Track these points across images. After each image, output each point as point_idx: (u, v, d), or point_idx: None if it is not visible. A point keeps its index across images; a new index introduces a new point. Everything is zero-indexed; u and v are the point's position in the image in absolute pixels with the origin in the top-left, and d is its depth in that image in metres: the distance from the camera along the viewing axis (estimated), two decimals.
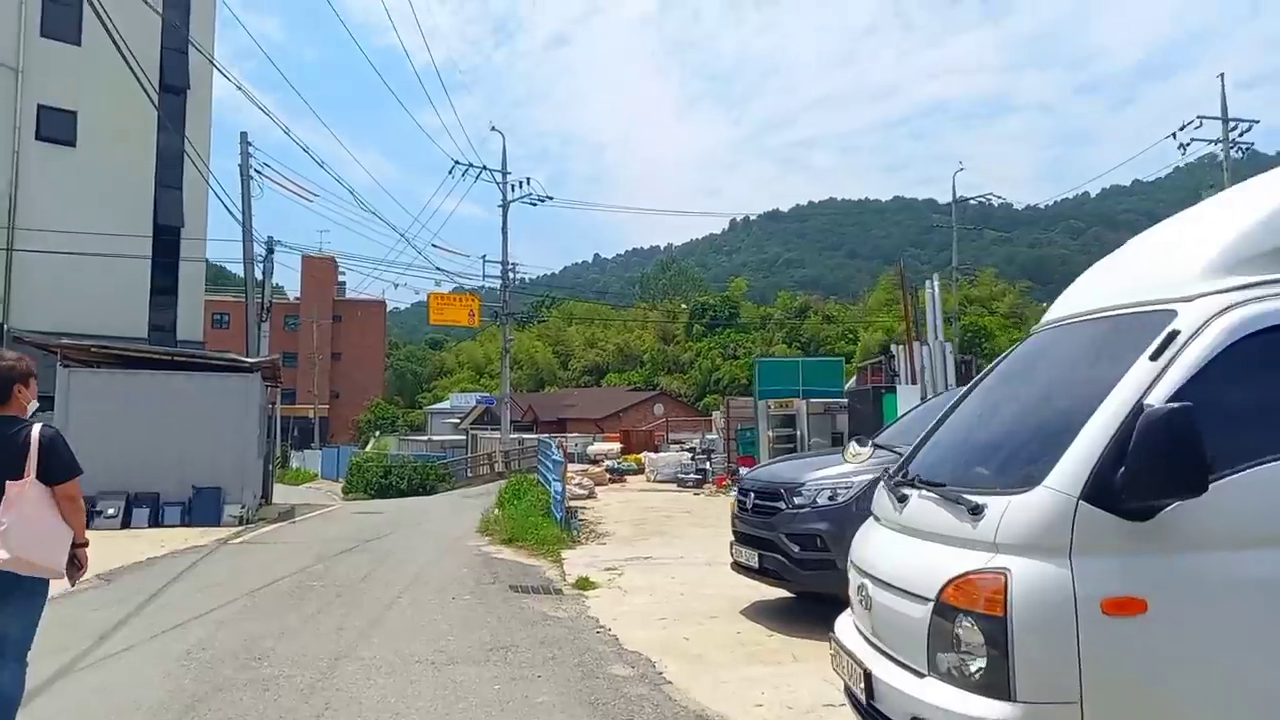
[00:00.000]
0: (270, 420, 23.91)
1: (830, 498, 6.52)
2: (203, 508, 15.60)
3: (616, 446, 31.42)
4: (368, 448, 54.26)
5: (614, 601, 8.03)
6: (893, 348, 15.66)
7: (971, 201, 46.48)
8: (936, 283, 18.22)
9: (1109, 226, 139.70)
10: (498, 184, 36.90)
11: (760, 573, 6.92)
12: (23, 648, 3.95)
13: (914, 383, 15.51)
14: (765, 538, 6.84)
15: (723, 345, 59.48)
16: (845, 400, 14.95)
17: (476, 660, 5.92)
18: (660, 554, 10.95)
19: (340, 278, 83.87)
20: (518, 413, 45.78)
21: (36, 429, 3.96)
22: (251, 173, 24.74)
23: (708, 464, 23.49)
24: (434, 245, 36.98)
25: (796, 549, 6.52)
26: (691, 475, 22.02)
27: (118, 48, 13.00)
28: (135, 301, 23.77)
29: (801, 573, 6.50)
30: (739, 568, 7.33)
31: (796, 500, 6.66)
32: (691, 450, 29.88)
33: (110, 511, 14.86)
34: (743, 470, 21.03)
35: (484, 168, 36.28)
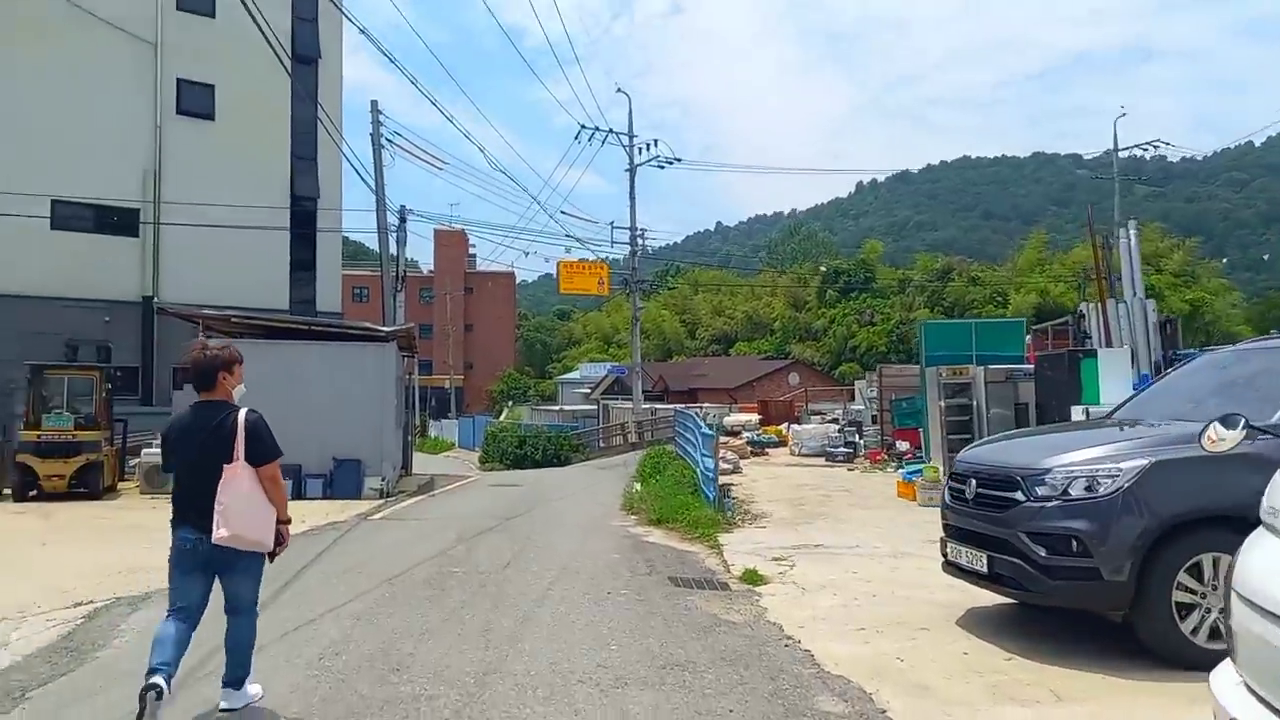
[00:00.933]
0: (408, 391, 23.90)
1: (1087, 488, 5.11)
2: (343, 480, 15.37)
3: (754, 418, 30.12)
4: (501, 417, 54.88)
5: (793, 602, 6.87)
6: (1083, 307, 13.73)
7: (1123, 155, 42.17)
8: (1133, 231, 15.98)
9: (1278, 176, 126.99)
10: (624, 147, 35.99)
11: (990, 580, 5.58)
12: (253, 601, 4.46)
13: (1108, 344, 13.57)
14: (996, 536, 5.49)
15: (858, 311, 56.85)
16: (1030, 367, 13.17)
17: (649, 682, 4.88)
18: (831, 541, 9.71)
19: (470, 250, 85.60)
20: (648, 382, 45.04)
21: (241, 414, 4.32)
22: (382, 141, 24.63)
23: (857, 437, 21.92)
24: (563, 212, 36.97)
25: (1043, 553, 5.15)
26: (840, 449, 20.53)
27: (252, 17, 12.61)
28: (276, 274, 24.08)
29: (1050, 583, 5.13)
30: (955, 569, 6.02)
31: (1040, 491, 5.27)
32: (837, 422, 28.30)
33: None
34: (900, 444, 19.46)
35: (610, 130, 35.36)
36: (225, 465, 4.20)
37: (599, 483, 19.57)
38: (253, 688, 4.45)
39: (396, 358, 17.20)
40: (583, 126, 34.72)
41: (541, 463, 32.93)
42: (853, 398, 41.19)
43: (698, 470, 14.37)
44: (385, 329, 15.81)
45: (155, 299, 20.74)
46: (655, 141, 35.42)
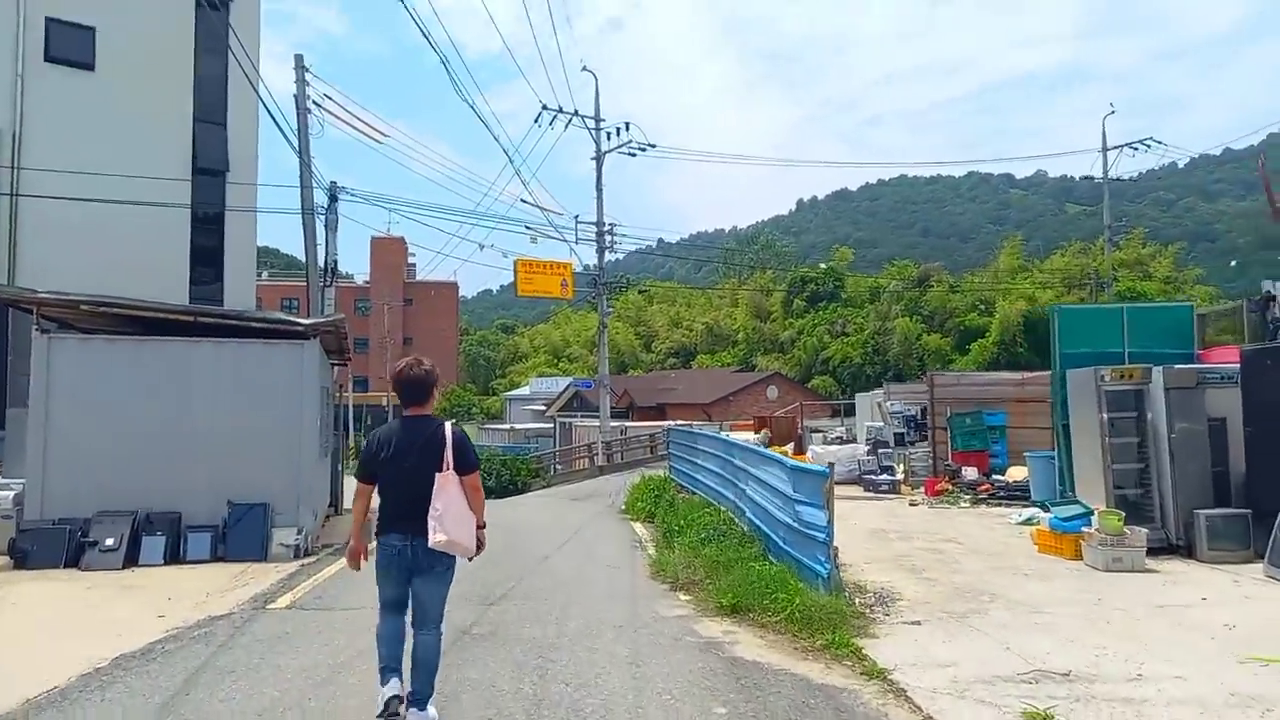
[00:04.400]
0: (339, 408, 19.28)
1: None
2: (242, 534, 10.81)
3: (752, 435, 26.09)
4: None
5: None
6: (1269, 285, 10.01)
7: (1118, 150, 39.43)
8: None
9: (1203, 197, 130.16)
10: (590, 131, 31.88)
11: None
12: (440, 614, 4.71)
13: None
14: None
15: (829, 321, 53.57)
16: (1222, 367, 9.38)
17: None
18: (1080, 665, 5.57)
19: (410, 259, 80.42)
20: (611, 398, 40.81)
21: (448, 426, 4.68)
22: (309, 103, 20.10)
23: (894, 461, 18.04)
24: (524, 201, 32.01)
25: None
26: (882, 476, 16.62)
27: None
28: (172, 264, 19.28)
29: None
30: None
31: None
32: (842, 440, 24.44)
33: (109, 542, 10.11)
34: (967, 471, 15.60)
35: (575, 113, 31.24)
36: (437, 474, 4.45)
37: (583, 523, 15.29)
38: (432, 709, 4.57)
39: (322, 361, 12.71)
40: (544, 107, 30.56)
41: (496, 491, 28.44)
42: (847, 413, 37.55)
43: (746, 516, 10.24)
44: (305, 320, 11.35)
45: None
46: (626, 125, 31.37)
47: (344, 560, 6.35)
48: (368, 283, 75.98)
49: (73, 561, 9.99)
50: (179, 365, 11.09)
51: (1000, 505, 13.72)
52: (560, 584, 8.78)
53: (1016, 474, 14.58)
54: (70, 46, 18.35)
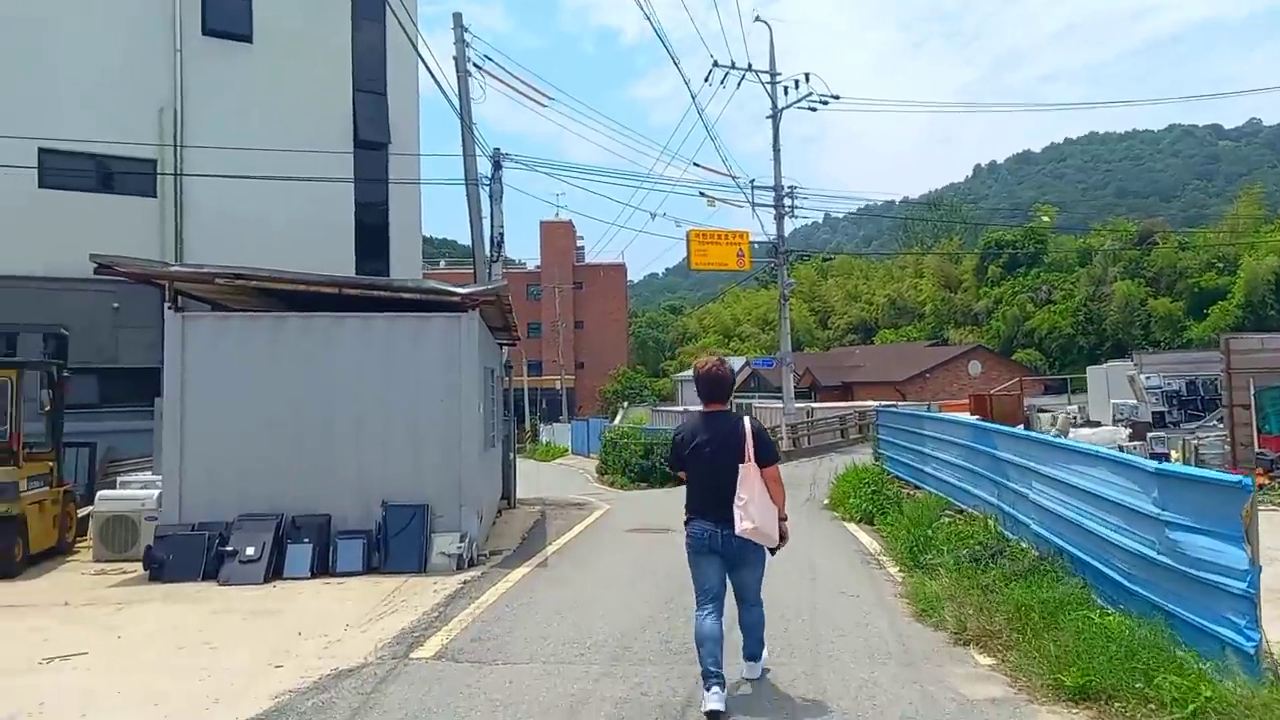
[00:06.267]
0: (509, 391, 17.80)
1: None
2: (398, 542, 9.17)
3: (969, 416, 22.82)
4: (616, 419, 48.95)
5: None
6: None
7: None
8: None
9: None
10: (765, 86, 29.13)
11: None
12: (758, 594, 4.93)
13: None
14: None
15: (1031, 288, 48.26)
16: None
17: None
18: None
19: (579, 242, 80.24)
20: (793, 377, 38.06)
21: (747, 420, 4.90)
22: (469, 66, 18.63)
23: (1169, 447, 14.55)
24: (696, 164, 30.57)
25: None
26: None
27: None
28: (337, 241, 18.35)
29: None
30: None
31: None
32: (1078, 421, 20.79)
33: (250, 551, 8.72)
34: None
35: (749, 67, 28.62)
36: (741, 465, 4.67)
37: (799, 523, 12.89)
38: (762, 664, 5.11)
39: (485, 338, 10.98)
40: (716, 63, 28.08)
41: (672, 477, 26.61)
42: (1060, 390, 33.16)
43: (1029, 529, 7.57)
44: (462, 289, 9.60)
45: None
46: (807, 76, 28.33)
47: (514, 576, 6.93)
48: (538, 268, 76.29)
49: (211, 573, 8.66)
50: (323, 344, 9.58)
51: None
52: (788, 624, 6.45)
53: None
54: (228, 18, 17.64)
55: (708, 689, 4.54)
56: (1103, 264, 44.26)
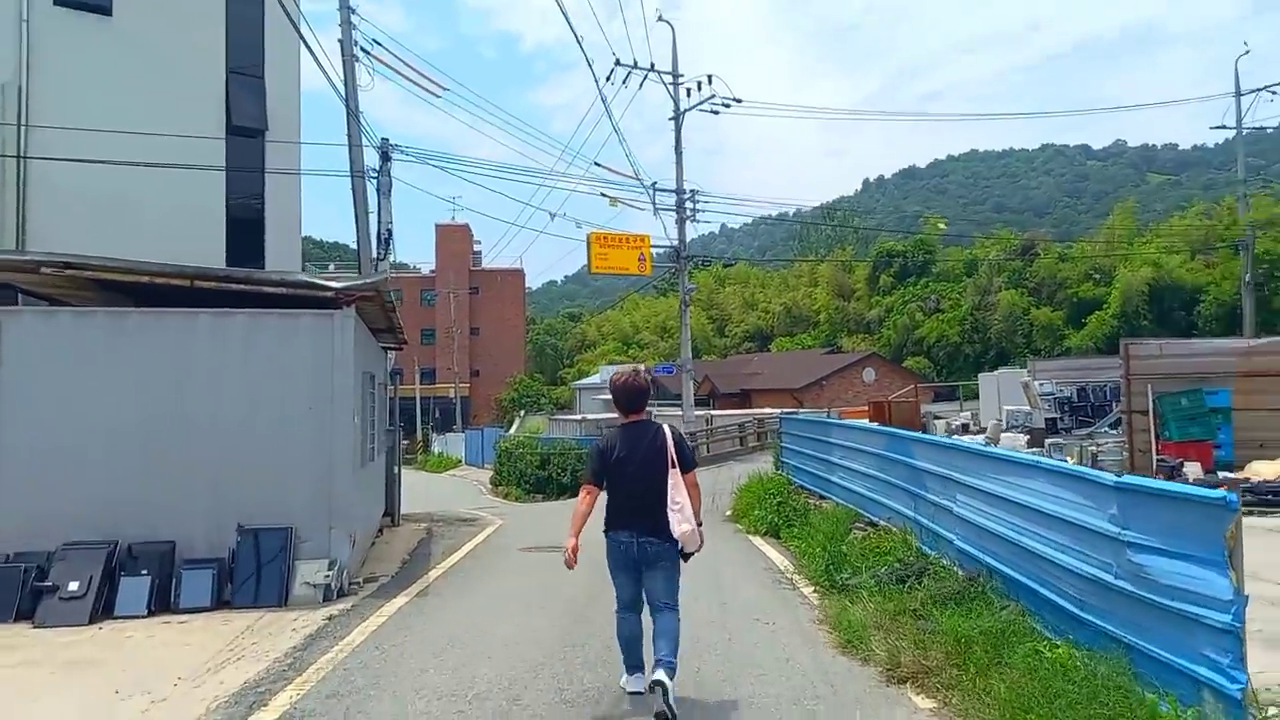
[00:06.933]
0: (396, 399, 16.57)
1: None
2: (255, 572, 8.05)
3: (868, 422, 22.73)
4: (512, 429, 47.70)
5: None
6: None
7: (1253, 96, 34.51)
8: None
9: None
10: (667, 86, 28.61)
11: None
12: (675, 598, 4.89)
13: None
14: None
15: (920, 297, 49.51)
16: None
17: None
18: None
19: (475, 247, 78.33)
20: (693, 384, 37.70)
21: (667, 428, 4.96)
22: (356, 50, 17.39)
23: (1068, 454, 14.57)
24: (597, 164, 29.81)
25: None
26: None
27: None
28: (207, 235, 16.74)
29: None
30: None
31: None
32: (969, 426, 20.93)
33: (73, 587, 7.42)
34: (1189, 468, 12.13)
35: (652, 67, 28.03)
36: (670, 472, 4.79)
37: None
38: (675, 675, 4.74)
39: (363, 338, 9.90)
40: (618, 61, 27.39)
41: (570, 488, 25.76)
42: (950, 397, 33.79)
43: (952, 545, 7.08)
44: (336, 283, 8.52)
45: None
46: (710, 78, 27.96)
47: (389, 609, 6.62)
48: (433, 272, 74.08)
49: (26, 613, 7.36)
50: (172, 345, 8.35)
51: (1259, 515, 10.23)
52: (702, 661, 5.70)
53: (1265, 469, 11.04)
54: None
55: (630, 674, 4.99)
56: (988, 274, 45.73)
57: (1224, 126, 36.50)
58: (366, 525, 10.76)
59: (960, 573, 6.69)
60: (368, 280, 8.74)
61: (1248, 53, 36.62)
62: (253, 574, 8.04)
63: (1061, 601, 5.13)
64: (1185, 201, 72.48)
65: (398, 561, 10.35)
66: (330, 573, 8.10)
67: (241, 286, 8.49)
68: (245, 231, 17.84)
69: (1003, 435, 15.59)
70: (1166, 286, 38.93)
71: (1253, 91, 35.10)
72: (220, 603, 7.87)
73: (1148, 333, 35.80)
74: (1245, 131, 35.16)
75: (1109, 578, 4.56)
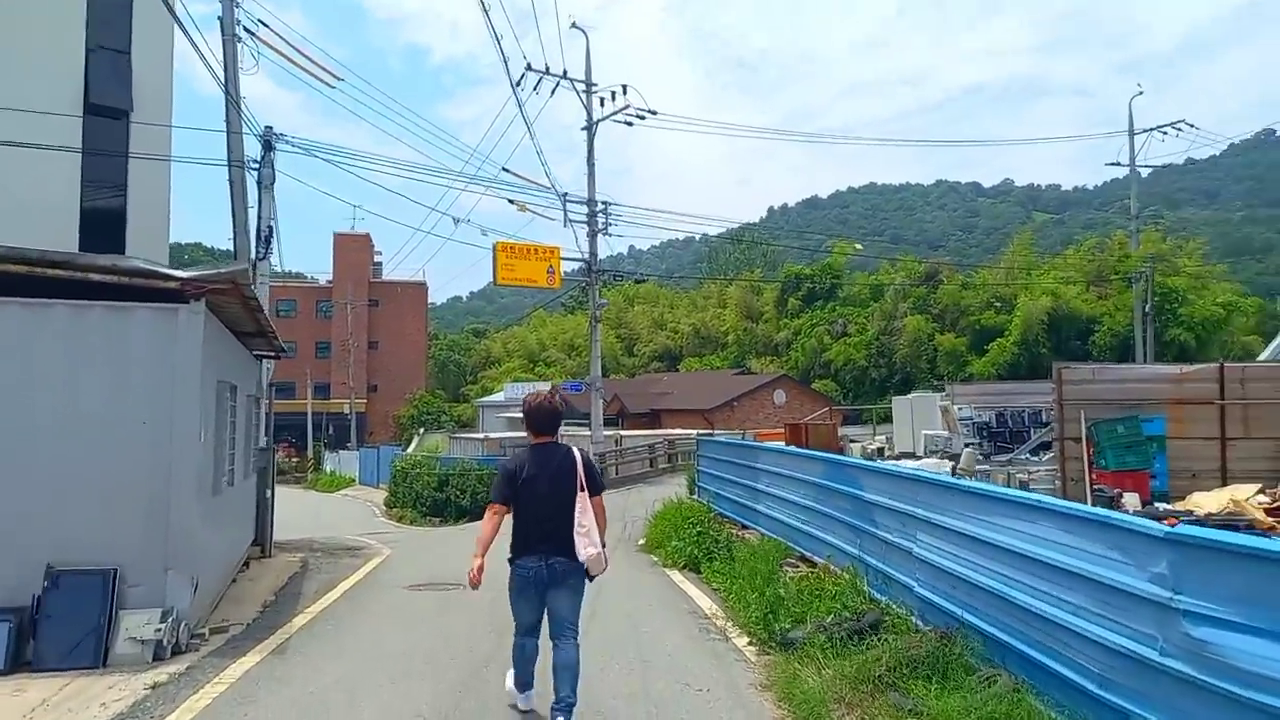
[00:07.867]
0: (269, 414, 14.84)
1: None
2: (65, 624, 6.46)
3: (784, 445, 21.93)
4: (411, 447, 45.48)
5: None
6: None
7: (1146, 135, 35.89)
8: None
9: (1167, 205, 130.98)
10: (580, 95, 27.55)
11: None
12: (577, 625, 4.81)
13: None
14: None
15: (828, 321, 49.67)
16: None
17: None
18: None
19: (377, 257, 75.51)
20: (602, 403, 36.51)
21: (576, 450, 4.99)
22: (238, 30, 15.71)
23: (987, 478, 13.99)
24: (505, 169, 28.24)
25: None
26: None
27: None
28: (58, 225, 14.75)
29: None
30: None
31: None
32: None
33: None
34: (1128, 499, 11.62)
35: (564, 75, 26.92)
36: (579, 494, 4.75)
37: (617, 571, 11.02)
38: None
39: (218, 339, 8.36)
40: (529, 66, 26.18)
41: (470, 511, 24.24)
42: (860, 420, 33.58)
43: (913, 592, 6.10)
44: (182, 272, 7.06)
45: None
46: (624, 88, 27.04)
47: (233, 672, 5.95)
48: (330, 283, 70.91)
49: None
50: None
51: None
52: None
53: (1207, 502, 10.54)
54: None
55: (521, 692, 5.02)
56: (893, 300, 46.15)
57: (1118, 164, 37.81)
58: (221, 562, 9.14)
59: (924, 628, 5.70)
60: (223, 270, 7.27)
61: (1141, 94, 38.04)
62: (63, 627, 6.46)
63: (1071, 675, 4.14)
64: (1068, 238, 75.89)
65: (259, 604, 8.79)
66: (163, 625, 6.57)
67: (62, 273, 6.91)
68: (103, 223, 15.87)
69: (923, 462, 14.94)
70: (1064, 316, 39.88)
71: (1145, 131, 36.51)
72: (17, 664, 6.28)
73: (1048, 360, 36.38)
74: (1132, 170, 36.46)
75: (1151, 653, 3.58)
